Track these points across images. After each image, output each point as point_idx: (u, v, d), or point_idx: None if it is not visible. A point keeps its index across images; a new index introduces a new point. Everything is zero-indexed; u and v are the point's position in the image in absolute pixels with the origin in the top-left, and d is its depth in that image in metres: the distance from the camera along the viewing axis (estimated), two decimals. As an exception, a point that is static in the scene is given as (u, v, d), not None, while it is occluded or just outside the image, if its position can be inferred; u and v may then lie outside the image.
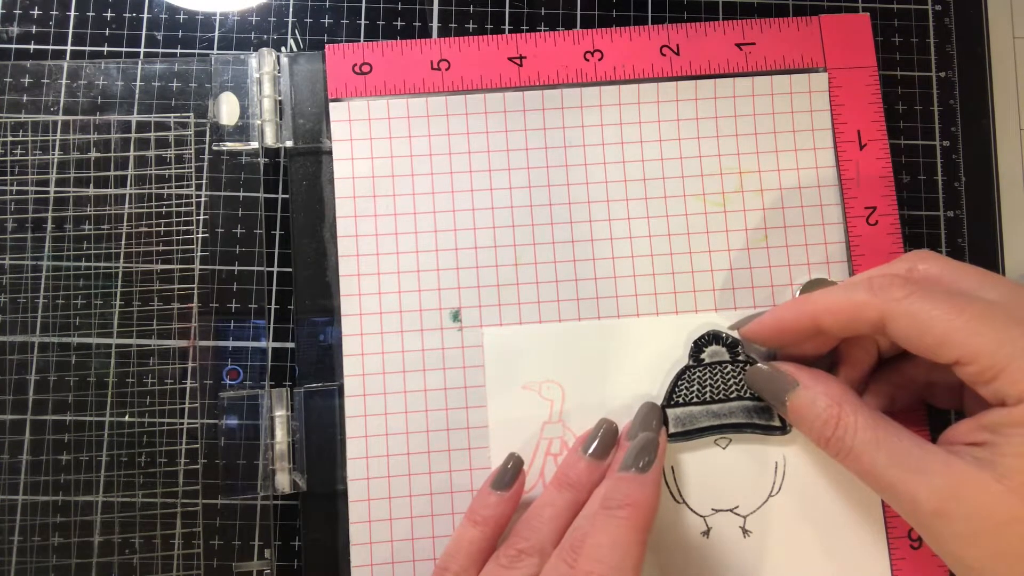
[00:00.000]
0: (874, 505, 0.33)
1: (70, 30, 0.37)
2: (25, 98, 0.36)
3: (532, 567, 0.27)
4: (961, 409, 0.30)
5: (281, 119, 0.35)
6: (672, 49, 0.36)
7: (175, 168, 0.36)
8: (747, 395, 0.33)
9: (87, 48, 0.37)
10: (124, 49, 0.37)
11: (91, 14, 0.37)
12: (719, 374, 0.33)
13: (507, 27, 0.37)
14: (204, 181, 0.36)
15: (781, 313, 0.30)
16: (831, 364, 0.32)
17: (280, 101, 0.35)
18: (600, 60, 0.35)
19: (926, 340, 0.25)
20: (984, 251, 0.37)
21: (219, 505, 0.34)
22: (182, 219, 0.35)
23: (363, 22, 0.37)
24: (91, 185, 0.35)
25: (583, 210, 0.35)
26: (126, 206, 0.35)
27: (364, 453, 0.33)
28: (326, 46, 0.35)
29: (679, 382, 0.33)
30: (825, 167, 0.35)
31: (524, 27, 0.37)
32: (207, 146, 0.36)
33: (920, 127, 0.37)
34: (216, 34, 0.37)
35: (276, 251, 0.36)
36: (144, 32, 0.37)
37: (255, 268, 0.35)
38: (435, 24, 0.37)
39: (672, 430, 0.33)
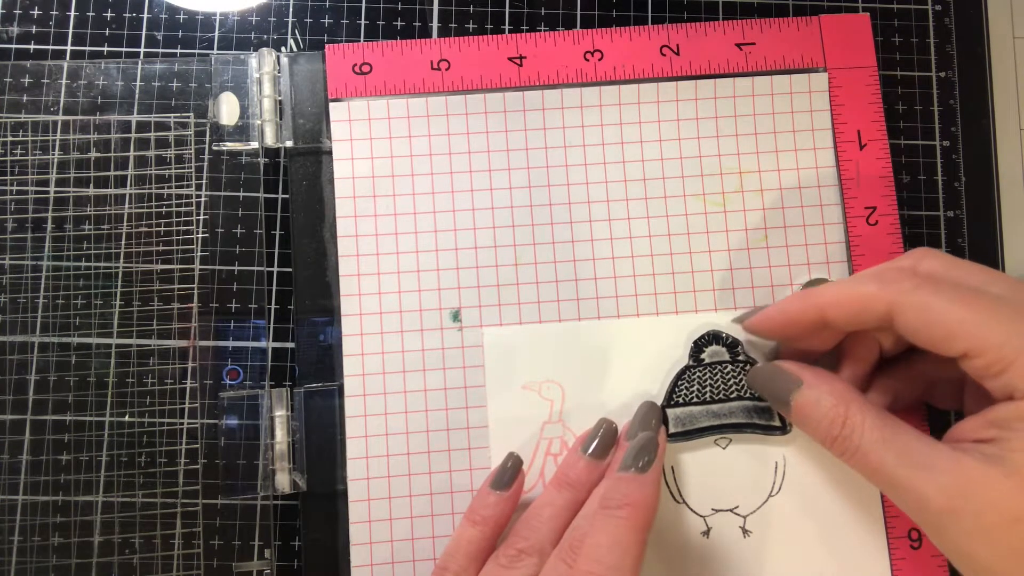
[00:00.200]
0: (874, 505, 0.33)
1: (70, 30, 0.37)
2: (25, 98, 0.36)
3: (531, 567, 0.27)
4: (961, 409, 0.30)
5: (281, 119, 0.35)
6: (672, 49, 0.36)
7: (175, 168, 0.36)
8: (747, 395, 0.33)
9: (87, 48, 0.37)
10: (124, 49, 0.37)
11: (91, 14, 0.37)
12: (719, 374, 0.33)
13: (507, 27, 0.37)
14: (204, 181, 0.36)
15: (787, 305, 0.30)
16: (832, 364, 0.32)
17: (280, 101, 0.35)
18: (600, 60, 0.35)
19: (935, 333, 0.25)
20: (984, 251, 0.37)
21: (219, 505, 0.34)
22: (182, 219, 0.35)
23: (363, 22, 0.37)
24: (91, 185, 0.35)
25: (583, 210, 0.35)
26: (126, 206, 0.35)
27: (364, 453, 0.33)
28: (326, 46, 0.35)
29: (679, 382, 0.33)
30: (825, 167, 0.35)
31: (524, 27, 0.37)
32: (207, 146, 0.36)
33: (920, 127, 0.37)
34: (216, 34, 0.37)
35: (276, 251, 0.36)
36: (144, 32, 0.37)
37: (255, 268, 0.35)
38: (435, 24, 0.37)
39: (672, 430, 0.33)
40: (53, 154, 0.35)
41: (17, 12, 0.37)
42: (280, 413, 0.34)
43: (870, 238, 0.34)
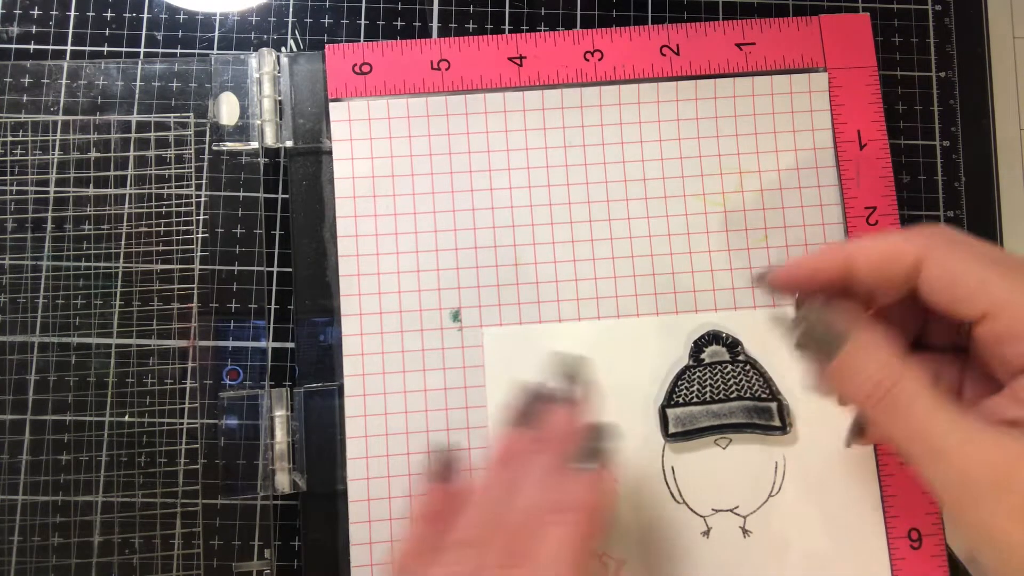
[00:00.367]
0: (874, 505, 0.33)
1: (70, 30, 0.37)
2: (25, 98, 0.36)
3: (470, 559, 0.25)
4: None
5: (281, 119, 0.35)
6: (672, 49, 0.36)
7: (175, 168, 0.35)
8: (747, 395, 0.33)
9: (87, 48, 0.37)
10: (124, 49, 0.37)
11: (91, 14, 0.37)
12: (719, 374, 0.33)
13: (507, 27, 0.37)
14: (204, 181, 0.36)
15: (813, 255, 0.28)
16: None
17: (280, 101, 0.35)
18: (600, 60, 0.35)
19: (957, 291, 0.25)
20: (984, 251, 0.37)
21: (219, 505, 0.34)
22: (182, 219, 0.35)
23: (363, 22, 0.37)
24: (91, 185, 0.35)
25: (583, 210, 0.35)
26: (126, 206, 0.35)
27: (364, 453, 0.33)
28: (326, 46, 0.35)
29: (679, 382, 0.33)
30: (825, 167, 0.35)
31: (524, 27, 0.37)
32: (207, 146, 0.36)
33: (920, 127, 0.37)
34: (216, 34, 0.37)
35: (276, 251, 0.36)
36: (144, 32, 0.37)
37: (255, 268, 0.35)
38: (435, 24, 0.37)
39: (672, 430, 0.33)
40: (53, 154, 0.35)
41: (17, 12, 0.37)
42: (280, 413, 0.34)
43: (870, 238, 0.34)
